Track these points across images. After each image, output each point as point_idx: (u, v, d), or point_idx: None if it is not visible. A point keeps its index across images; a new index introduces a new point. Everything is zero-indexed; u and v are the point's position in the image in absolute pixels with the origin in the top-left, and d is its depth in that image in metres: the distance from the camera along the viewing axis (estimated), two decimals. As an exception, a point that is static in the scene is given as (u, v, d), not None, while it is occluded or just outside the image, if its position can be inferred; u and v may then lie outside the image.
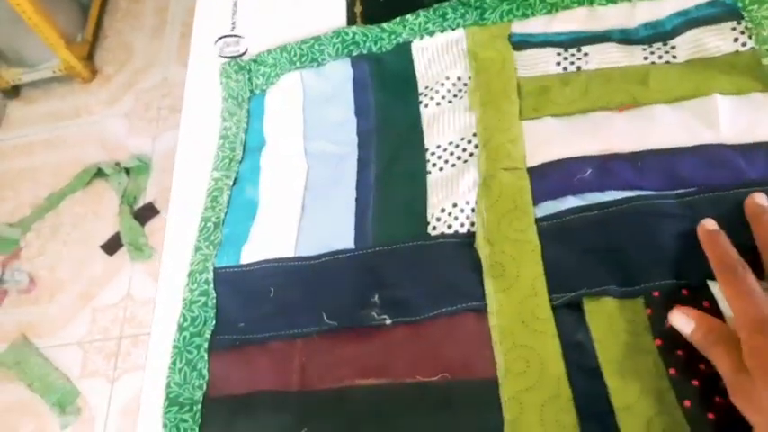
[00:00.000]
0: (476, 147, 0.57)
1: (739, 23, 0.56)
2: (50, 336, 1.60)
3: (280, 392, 0.50)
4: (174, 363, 0.53)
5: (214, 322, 0.55)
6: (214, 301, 0.55)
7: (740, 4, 0.56)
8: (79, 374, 1.53)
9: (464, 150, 0.58)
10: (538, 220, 0.52)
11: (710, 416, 0.41)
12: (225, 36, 0.73)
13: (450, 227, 0.54)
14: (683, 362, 0.44)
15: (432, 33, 0.64)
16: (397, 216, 0.56)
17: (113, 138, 1.83)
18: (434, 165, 0.58)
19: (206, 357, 0.53)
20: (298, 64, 0.66)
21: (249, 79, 0.67)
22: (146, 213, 1.73)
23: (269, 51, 0.67)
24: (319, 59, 0.66)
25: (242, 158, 0.63)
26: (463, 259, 0.52)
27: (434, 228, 0.54)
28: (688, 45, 0.57)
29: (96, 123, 1.86)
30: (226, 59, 0.70)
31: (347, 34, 0.65)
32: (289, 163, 0.61)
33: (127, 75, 1.94)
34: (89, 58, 1.92)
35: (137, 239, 1.67)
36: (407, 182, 0.57)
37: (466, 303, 0.50)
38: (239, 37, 0.73)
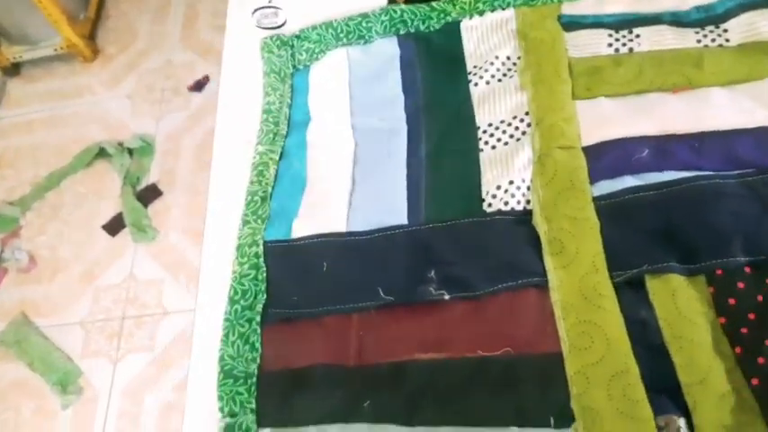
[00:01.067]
0: (528, 125, 0.57)
1: (794, 7, 0.56)
2: (52, 315, 1.57)
3: (337, 366, 0.50)
4: (226, 336, 0.52)
5: (265, 296, 0.54)
6: (264, 274, 0.55)
7: (796, -12, 0.57)
8: (81, 354, 1.51)
9: (516, 129, 0.58)
10: (595, 199, 0.52)
11: None
12: (262, 7, 0.72)
13: (506, 204, 0.54)
14: (749, 340, 0.44)
15: (482, 12, 0.64)
16: (451, 192, 0.56)
17: (115, 118, 1.80)
18: (486, 143, 0.58)
19: (259, 331, 0.53)
20: (344, 40, 0.65)
21: (292, 54, 0.66)
22: (149, 194, 1.71)
23: (313, 27, 0.67)
24: (366, 37, 0.65)
25: (287, 133, 0.63)
26: (521, 236, 0.52)
27: (490, 205, 0.54)
28: (741, 28, 0.57)
29: (98, 103, 1.83)
30: (266, 33, 0.69)
31: (395, 12, 0.65)
32: (336, 138, 0.61)
33: (129, 55, 1.91)
34: (91, 37, 1.88)
35: (140, 220, 1.66)
36: (460, 159, 0.57)
37: (527, 279, 0.50)
38: (277, 8, 0.72)
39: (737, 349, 0.44)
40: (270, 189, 0.59)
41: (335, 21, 0.66)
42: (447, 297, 0.50)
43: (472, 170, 0.56)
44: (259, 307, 0.53)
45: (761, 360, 0.43)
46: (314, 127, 0.62)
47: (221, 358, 0.51)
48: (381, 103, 0.62)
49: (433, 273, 0.52)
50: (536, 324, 0.48)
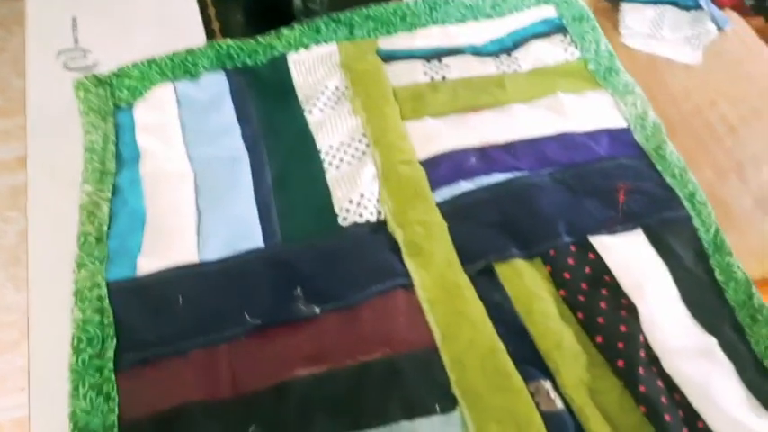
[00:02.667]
0: (367, 146, 0.61)
1: (566, 36, 0.68)
2: None
3: (213, 401, 0.46)
4: (75, 389, 0.46)
5: (115, 341, 0.49)
6: (111, 318, 0.50)
7: (564, 21, 0.69)
8: None
9: (356, 149, 0.61)
10: (438, 204, 0.57)
11: (620, 345, 0.48)
12: (67, 50, 0.68)
13: (361, 215, 0.56)
14: (586, 305, 0.51)
15: (307, 46, 0.67)
16: (305, 213, 0.57)
17: None
18: (330, 164, 0.60)
19: (113, 379, 0.47)
20: (170, 75, 0.64)
21: (111, 93, 0.63)
22: None
23: (134, 64, 0.64)
24: (192, 72, 0.64)
25: (117, 170, 0.59)
26: (380, 243, 0.54)
27: (345, 219, 0.56)
28: (529, 56, 0.67)
29: None
30: (75, 75, 0.65)
31: (221, 47, 0.65)
32: (173, 170, 0.58)
33: None
34: None
35: None
36: (307, 181, 0.59)
37: (394, 281, 0.52)
38: (85, 50, 0.68)
39: (579, 315, 0.51)
40: (105, 229, 0.55)
41: (158, 57, 0.64)
42: (318, 311, 0.50)
43: (321, 190, 0.58)
44: (110, 353, 0.48)
45: (600, 320, 0.50)
46: (146, 162, 0.59)
47: (73, 414, 0.45)
48: (216, 133, 0.61)
49: (299, 290, 0.51)
50: (408, 322, 0.50)
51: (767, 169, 0.61)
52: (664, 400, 0.46)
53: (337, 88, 0.65)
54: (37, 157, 0.61)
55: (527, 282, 0.52)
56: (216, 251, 0.54)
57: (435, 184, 0.58)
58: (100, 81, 0.63)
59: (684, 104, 0.64)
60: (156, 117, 0.62)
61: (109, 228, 0.55)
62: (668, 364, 0.48)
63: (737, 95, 0.68)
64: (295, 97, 0.64)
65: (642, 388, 0.46)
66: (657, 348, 0.49)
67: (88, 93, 0.62)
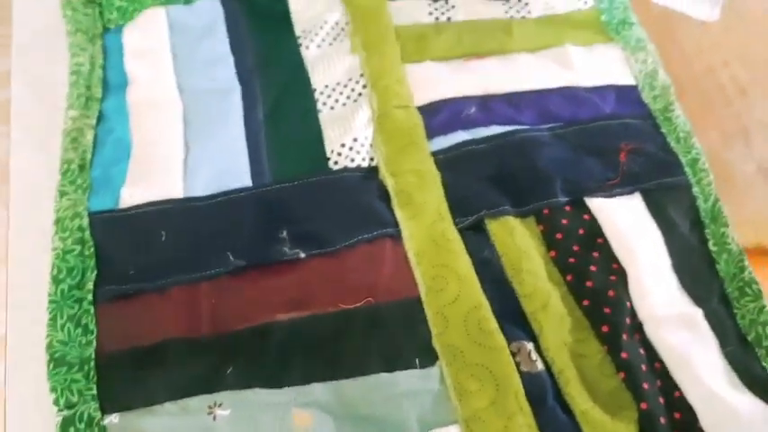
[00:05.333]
0: (363, 87, 0.59)
1: (580, -18, 0.65)
2: None
3: (191, 339, 0.46)
4: (53, 319, 0.46)
5: (95, 273, 0.48)
6: (92, 249, 0.49)
7: (578, -34, 0.65)
8: None
9: (353, 90, 0.59)
10: (433, 154, 0.55)
11: (607, 310, 0.48)
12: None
13: (352, 160, 0.54)
14: (577, 268, 0.50)
15: (306, -23, 0.63)
16: (295, 153, 0.55)
17: None
18: (324, 103, 0.58)
19: (92, 311, 0.47)
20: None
21: (100, 13, 0.60)
22: None
23: (125, -15, 0.61)
24: (185, -4, 0.61)
25: (103, 97, 0.56)
26: (371, 190, 0.53)
27: (336, 162, 0.54)
28: (539, 2, 0.64)
29: None
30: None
31: (217, -29, 0.62)
32: (162, 100, 0.56)
33: None
34: None
35: None
36: (299, 119, 0.57)
37: (382, 230, 0.51)
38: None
39: (569, 277, 0.50)
40: (89, 156, 0.53)
41: (151, -22, 0.61)
42: (303, 255, 0.49)
43: (313, 130, 0.56)
44: (89, 285, 0.47)
45: (589, 283, 0.49)
46: (134, 89, 0.57)
47: (50, 345, 0.45)
48: (209, 63, 0.59)
49: (285, 233, 0.50)
50: (393, 272, 0.49)
51: (773, 137, 0.60)
52: (644, 367, 0.45)
53: (337, 23, 0.62)
54: (21, 75, 0.58)
55: (518, 240, 0.51)
56: (202, 187, 0.53)
57: (432, 132, 0.56)
58: (89, 0, 0.60)
59: (696, 63, 0.61)
60: (147, 42, 0.59)
61: (93, 156, 0.53)
62: (651, 332, 0.47)
63: (751, 57, 0.65)
64: (292, 31, 0.62)
65: (624, 355, 0.45)
66: (642, 315, 0.48)
67: (76, 12, 0.59)
